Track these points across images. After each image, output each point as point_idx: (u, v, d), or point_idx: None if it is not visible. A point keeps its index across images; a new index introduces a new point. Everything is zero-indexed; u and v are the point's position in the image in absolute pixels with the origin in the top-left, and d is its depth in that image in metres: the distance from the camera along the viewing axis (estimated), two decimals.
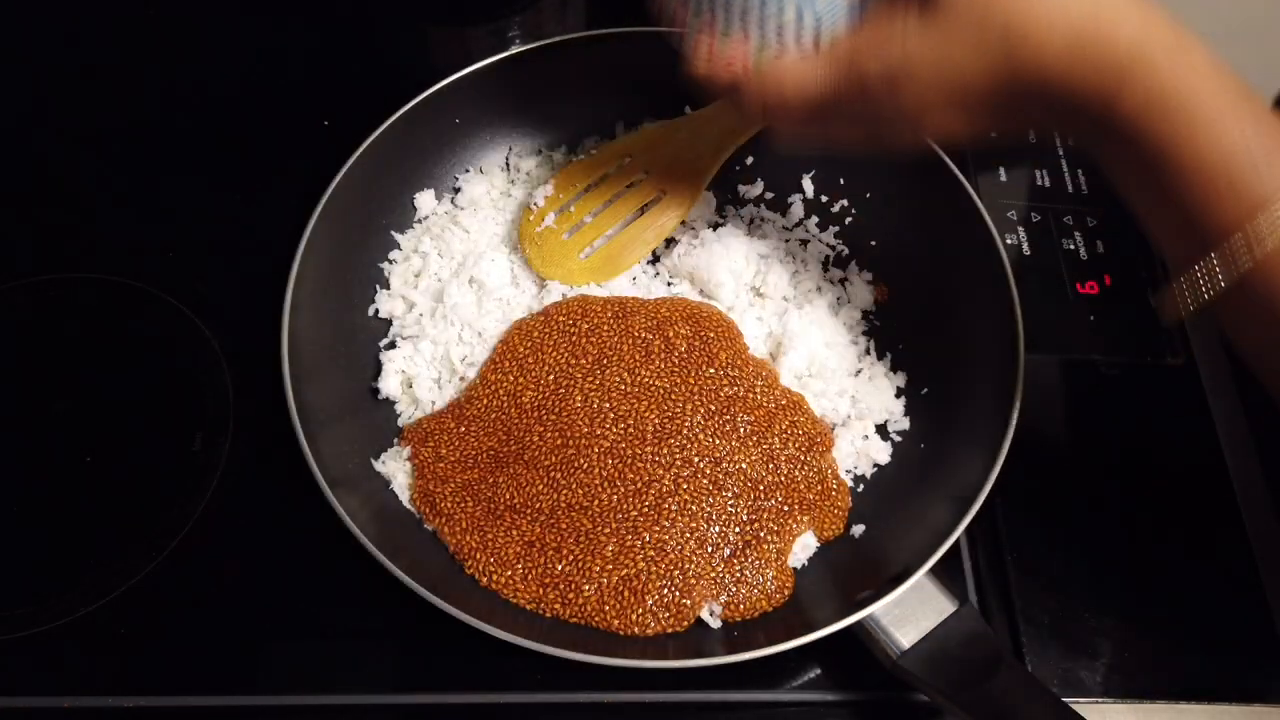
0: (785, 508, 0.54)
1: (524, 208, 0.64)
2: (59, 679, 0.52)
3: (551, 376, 0.57)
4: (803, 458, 0.56)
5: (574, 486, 0.54)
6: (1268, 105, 0.40)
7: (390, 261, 0.63)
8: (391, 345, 0.61)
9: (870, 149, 0.49)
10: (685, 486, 0.54)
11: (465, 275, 0.61)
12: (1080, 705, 0.47)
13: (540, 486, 0.54)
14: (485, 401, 0.57)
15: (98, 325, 0.63)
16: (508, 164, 0.68)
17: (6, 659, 0.52)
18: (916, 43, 0.42)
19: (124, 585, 0.54)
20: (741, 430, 0.56)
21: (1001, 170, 0.69)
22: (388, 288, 0.62)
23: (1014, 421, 0.52)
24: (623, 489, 0.54)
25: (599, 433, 0.55)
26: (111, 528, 0.56)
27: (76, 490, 0.58)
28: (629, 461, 0.54)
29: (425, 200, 0.65)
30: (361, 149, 0.60)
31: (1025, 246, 0.66)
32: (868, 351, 0.61)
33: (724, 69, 0.48)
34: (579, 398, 0.56)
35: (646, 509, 0.53)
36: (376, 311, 0.62)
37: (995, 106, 0.43)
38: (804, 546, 0.55)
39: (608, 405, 0.56)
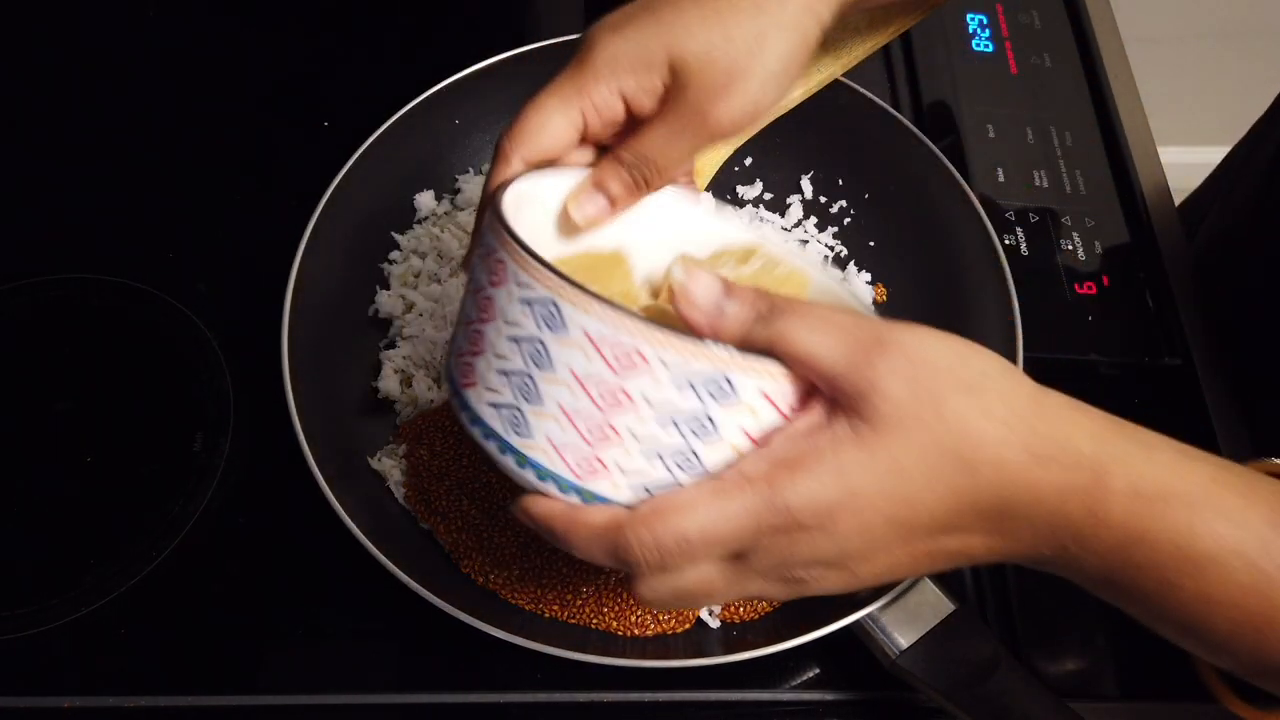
0: None
1: None
2: (59, 679, 0.52)
3: None
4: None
5: None
6: (1257, 476, 0.35)
7: (390, 262, 0.63)
8: (391, 345, 0.61)
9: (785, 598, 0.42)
10: None
11: (465, 276, 0.61)
12: (1080, 705, 0.47)
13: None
14: None
15: (98, 325, 0.63)
16: None
17: (6, 659, 0.52)
18: (856, 463, 0.32)
19: (124, 585, 0.54)
20: None
21: (1000, 170, 0.69)
22: (387, 288, 0.62)
23: None
24: None
25: None
26: (111, 528, 0.56)
27: (76, 490, 0.58)
28: None
29: (425, 200, 0.65)
30: (361, 149, 0.60)
31: (1024, 247, 0.66)
32: None
33: (580, 527, 0.35)
34: None
35: None
36: (376, 311, 0.62)
37: (957, 537, 0.34)
38: None
39: None
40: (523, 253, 0.35)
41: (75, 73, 0.76)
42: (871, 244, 0.65)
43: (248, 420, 0.59)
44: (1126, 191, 0.69)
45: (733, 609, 0.52)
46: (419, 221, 0.65)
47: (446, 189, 0.66)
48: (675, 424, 0.34)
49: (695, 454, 0.34)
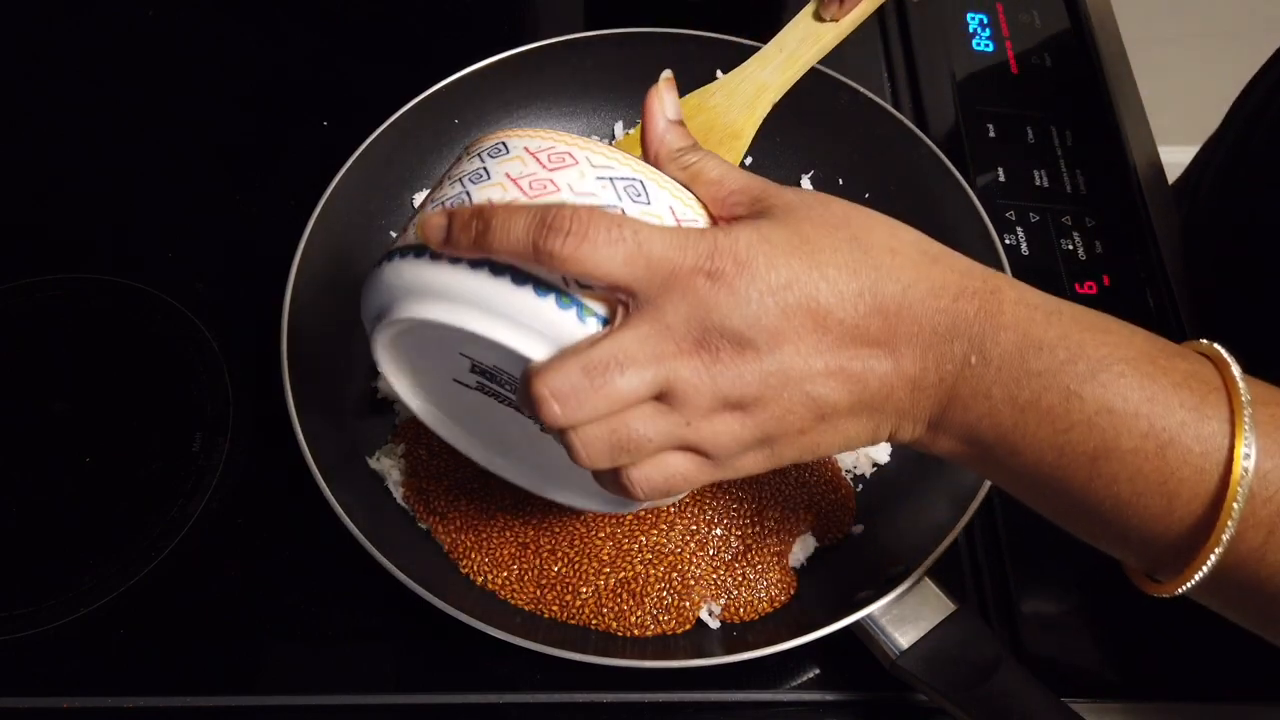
0: (789, 510, 0.54)
1: None
2: (59, 679, 0.52)
3: None
4: (810, 462, 0.56)
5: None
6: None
7: None
8: None
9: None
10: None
11: None
12: (1080, 705, 0.47)
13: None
14: None
15: (97, 325, 0.63)
16: None
17: (6, 659, 0.52)
18: (768, 227, 0.35)
19: (124, 585, 0.54)
20: None
21: (1001, 170, 0.69)
22: None
23: None
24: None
25: None
26: (111, 528, 0.56)
27: (76, 490, 0.58)
28: None
29: (423, 199, 0.65)
30: (361, 149, 0.60)
31: (1024, 247, 0.66)
32: None
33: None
34: None
35: (643, 512, 0.53)
36: None
37: (858, 349, 0.35)
38: (803, 547, 0.55)
39: None
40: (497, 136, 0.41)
41: (75, 73, 0.76)
42: None
43: (247, 420, 0.59)
44: (1126, 191, 0.69)
45: (732, 609, 0.52)
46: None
47: None
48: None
49: None
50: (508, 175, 0.38)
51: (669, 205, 0.38)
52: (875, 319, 0.35)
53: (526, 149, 0.39)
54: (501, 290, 0.36)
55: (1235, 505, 0.33)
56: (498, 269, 0.36)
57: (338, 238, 0.59)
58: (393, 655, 0.54)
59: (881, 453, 0.58)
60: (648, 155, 0.40)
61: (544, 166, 0.38)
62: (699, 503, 0.53)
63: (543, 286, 0.36)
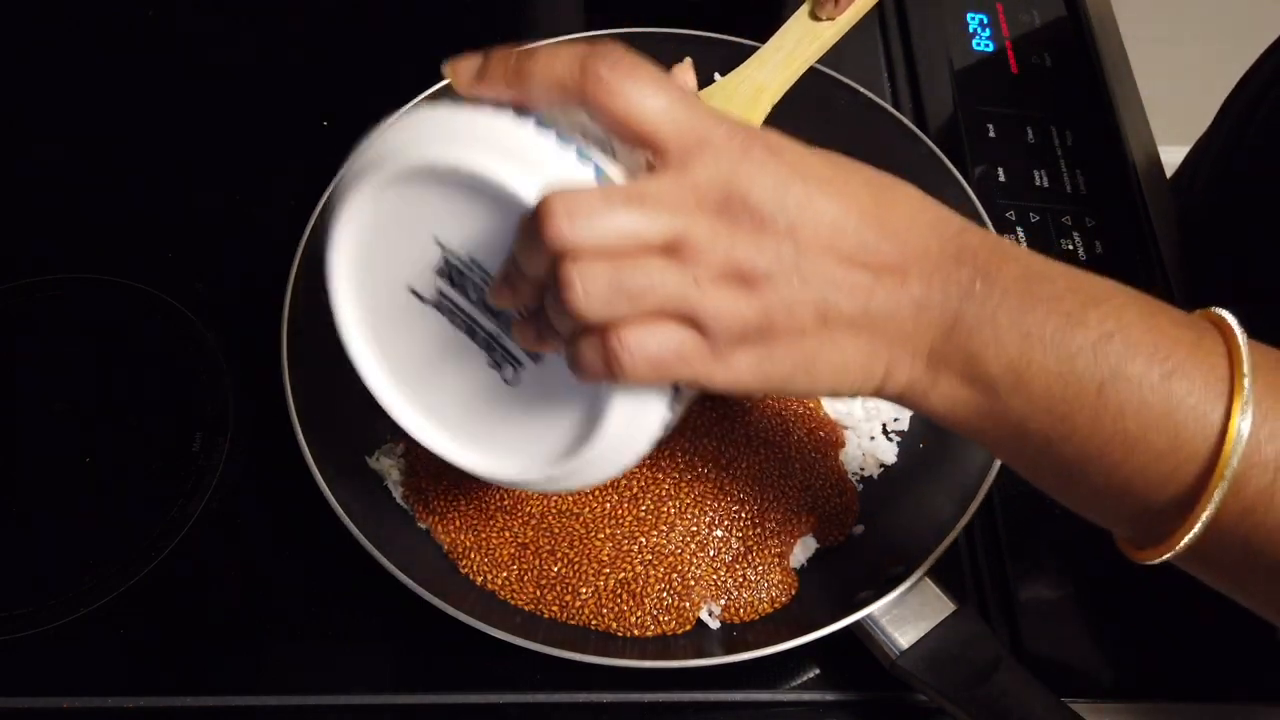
0: (791, 512, 0.54)
1: None
2: (59, 679, 0.52)
3: None
4: (817, 463, 0.56)
5: (563, 494, 0.54)
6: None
7: None
8: None
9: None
10: (687, 491, 0.54)
11: None
12: (1080, 705, 0.47)
13: (530, 491, 0.54)
14: None
15: (97, 325, 0.63)
16: None
17: (6, 659, 0.52)
18: (794, 143, 0.35)
19: (124, 585, 0.54)
20: (753, 436, 0.56)
21: (1001, 170, 0.69)
22: None
23: None
24: (615, 496, 0.54)
25: None
26: (111, 528, 0.56)
27: (76, 490, 0.58)
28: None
29: None
30: None
31: (1024, 247, 0.66)
32: None
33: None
34: None
35: (643, 514, 0.53)
36: None
37: (872, 246, 0.35)
38: (804, 547, 0.55)
39: None
40: None
41: (74, 73, 0.75)
42: None
43: (247, 420, 0.59)
44: (1126, 191, 0.69)
45: (732, 610, 0.52)
46: None
47: None
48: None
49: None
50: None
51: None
52: (886, 243, 0.34)
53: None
54: (522, 133, 0.34)
55: (1233, 456, 0.32)
56: (522, 113, 0.34)
57: None
58: (393, 655, 0.54)
59: (889, 454, 0.58)
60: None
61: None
62: (699, 504, 0.53)
63: (566, 138, 0.34)
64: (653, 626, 0.51)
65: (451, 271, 0.38)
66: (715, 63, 0.62)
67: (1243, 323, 0.35)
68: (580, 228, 0.32)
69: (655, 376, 0.34)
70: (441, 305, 0.39)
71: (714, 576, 0.52)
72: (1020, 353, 0.34)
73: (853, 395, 0.37)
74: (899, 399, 0.37)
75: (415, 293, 0.39)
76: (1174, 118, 0.82)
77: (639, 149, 0.34)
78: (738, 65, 0.57)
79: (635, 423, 0.38)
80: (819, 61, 0.57)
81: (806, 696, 0.52)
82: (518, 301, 0.36)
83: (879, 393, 0.37)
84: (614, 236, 0.32)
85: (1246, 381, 0.33)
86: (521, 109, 0.35)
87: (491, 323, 0.39)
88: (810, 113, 0.64)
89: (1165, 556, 0.36)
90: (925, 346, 0.35)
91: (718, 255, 0.33)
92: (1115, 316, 0.34)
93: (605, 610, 0.51)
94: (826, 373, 0.35)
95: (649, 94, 0.33)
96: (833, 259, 0.34)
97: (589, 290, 0.32)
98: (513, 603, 0.52)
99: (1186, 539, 0.34)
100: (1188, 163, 0.79)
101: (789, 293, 0.34)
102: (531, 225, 0.32)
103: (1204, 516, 0.33)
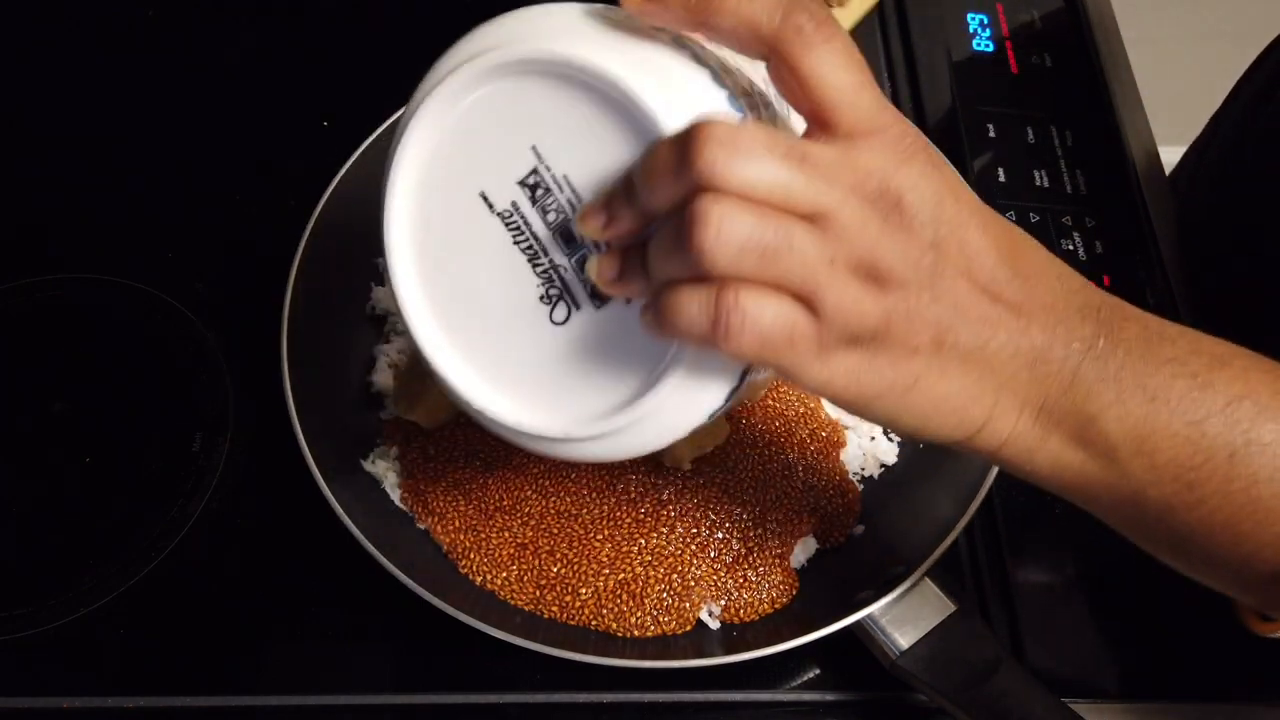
0: (793, 513, 0.54)
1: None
2: (59, 679, 0.52)
3: None
4: (819, 464, 0.56)
5: (562, 495, 0.54)
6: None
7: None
8: (386, 341, 0.61)
9: None
10: (688, 493, 0.54)
11: None
12: (1080, 705, 0.47)
13: (529, 491, 0.54)
14: None
15: (97, 325, 0.63)
16: None
17: (6, 659, 0.52)
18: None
19: (124, 585, 0.54)
20: (755, 437, 0.56)
21: (1001, 170, 0.69)
22: (383, 284, 0.62)
23: None
24: (614, 498, 0.53)
25: None
26: (111, 528, 0.56)
27: (76, 490, 0.58)
28: (618, 472, 0.54)
29: None
30: (361, 149, 0.60)
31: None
32: None
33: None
34: None
35: (643, 515, 0.53)
36: (373, 308, 0.62)
37: (1003, 282, 0.34)
38: (804, 547, 0.55)
39: None
40: None
41: (75, 72, 0.75)
42: None
43: (247, 420, 0.59)
44: (1126, 191, 0.69)
45: (733, 610, 0.52)
46: None
47: None
48: None
49: None
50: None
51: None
52: (1016, 282, 0.33)
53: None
54: (676, 60, 0.32)
55: None
56: (680, 43, 0.32)
57: (338, 237, 0.59)
58: (393, 655, 0.54)
59: (889, 454, 0.58)
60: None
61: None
62: (700, 506, 0.53)
63: (720, 82, 0.32)
64: (653, 627, 0.51)
65: (537, 186, 0.34)
66: None
67: (1248, 333, 0.35)
68: (736, 164, 0.28)
69: (757, 351, 0.30)
70: (510, 219, 0.35)
71: (714, 577, 0.52)
72: (1145, 416, 0.33)
73: (940, 438, 0.34)
74: (996, 454, 0.35)
75: (485, 199, 0.35)
76: (1174, 118, 0.82)
77: (806, 118, 0.32)
78: None
79: (688, 400, 0.35)
80: None
81: (806, 696, 0.52)
82: (610, 231, 0.32)
83: (971, 442, 0.34)
84: (766, 185, 0.29)
85: None
86: (680, 40, 0.32)
87: (561, 252, 0.34)
88: None
89: None
90: (1038, 400, 0.33)
91: (861, 244, 0.30)
92: (1242, 379, 0.33)
93: (605, 610, 0.51)
94: (921, 401, 0.33)
95: (843, 64, 0.30)
96: (966, 284, 0.32)
97: (725, 233, 0.29)
98: (513, 603, 0.52)
99: None
100: (1185, 163, 0.79)
101: (916, 304, 0.31)
102: (677, 149, 0.29)
103: None
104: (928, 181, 0.31)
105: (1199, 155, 0.77)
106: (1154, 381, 0.33)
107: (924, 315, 0.32)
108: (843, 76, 0.30)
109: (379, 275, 0.63)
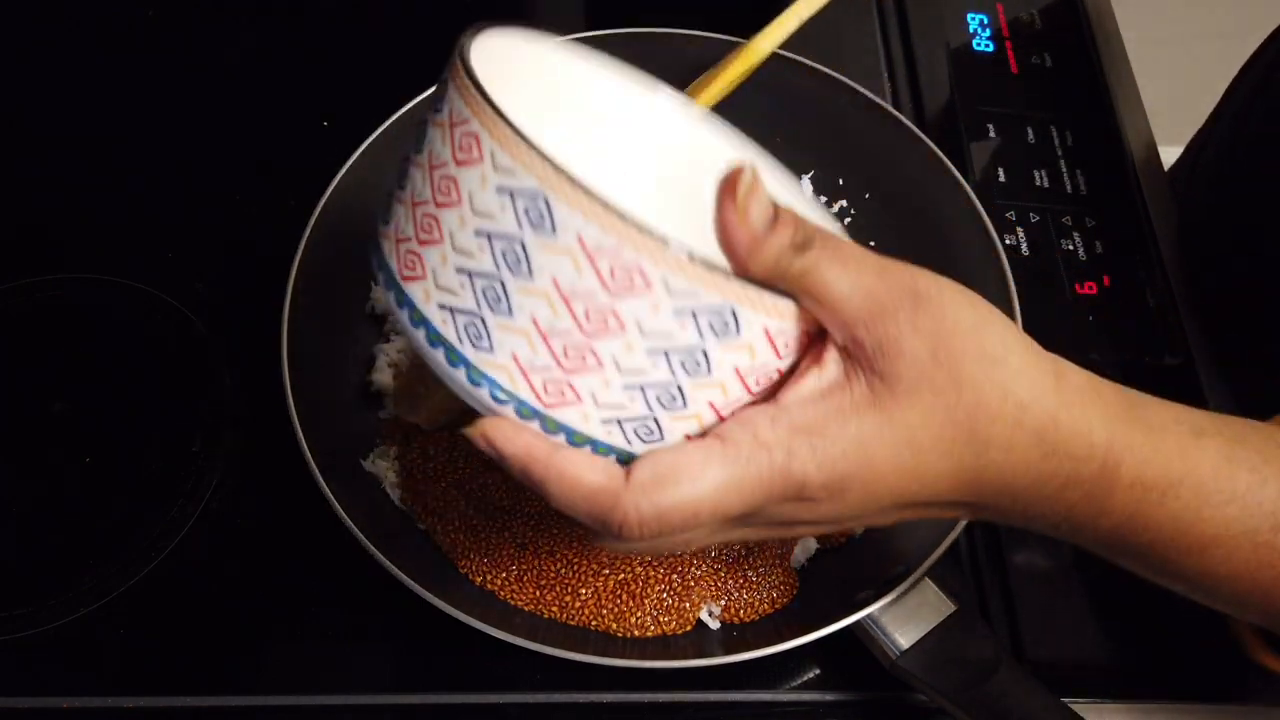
0: None
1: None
2: (59, 679, 0.52)
3: None
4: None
5: None
6: (1271, 444, 0.34)
7: None
8: (386, 340, 0.61)
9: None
10: None
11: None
12: (1080, 705, 0.47)
13: (529, 491, 0.54)
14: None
15: (96, 325, 0.63)
16: None
17: (6, 659, 0.52)
18: (875, 433, 0.30)
19: (124, 585, 0.54)
20: None
21: (1001, 171, 0.69)
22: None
23: None
24: None
25: None
26: (111, 528, 0.56)
27: (76, 491, 0.58)
28: None
29: None
30: (361, 149, 0.60)
31: (1024, 247, 0.66)
32: None
33: (568, 481, 0.31)
34: None
35: None
36: (373, 307, 0.62)
37: (949, 510, 0.34)
38: (804, 548, 0.55)
39: None
40: (508, 130, 0.29)
41: (75, 72, 0.75)
42: (872, 244, 0.65)
43: (247, 421, 0.59)
44: (1126, 191, 0.69)
45: (733, 610, 0.52)
46: None
47: None
48: (666, 357, 0.30)
49: (681, 391, 0.31)
50: (557, 286, 0.29)
51: (763, 329, 0.31)
52: (973, 498, 0.33)
53: (582, 241, 0.28)
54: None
55: None
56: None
57: (338, 238, 0.59)
58: (393, 655, 0.53)
59: None
60: (735, 263, 0.31)
61: (606, 288, 0.29)
62: None
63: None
64: (653, 627, 0.51)
65: None
66: (713, 62, 0.62)
67: (1247, 331, 0.35)
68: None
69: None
70: None
71: (714, 577, 0.52)
72: (1105, 554, 0.36)
73: None
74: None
75: None
76: (1174, 118, 0.82)
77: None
78: None
79: None
80: (818, 61, 0.57)
81: (806, 696, 0.52)
82: None
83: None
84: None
85: None
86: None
87: None
88: (810, 113, 0.64)
89: None
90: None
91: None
92: (1218, 554, 0.33)
93: (605, 610, 0.51)
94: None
95: (677, 535, 0.32)
96: (891, 514, 0.34)
97: (621, 552, 0.37)
98: (513, 603, 0.52)
99: None
100: (1182, 162, 0.79)
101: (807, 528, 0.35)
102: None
103: None
104: (835, 508, 0.33)
105: (1196, 154, 0.77)
106: (1119, 556, 0.35)
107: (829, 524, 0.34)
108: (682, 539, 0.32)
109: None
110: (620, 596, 0.51)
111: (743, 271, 0.30)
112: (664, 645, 0.51)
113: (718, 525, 0.32)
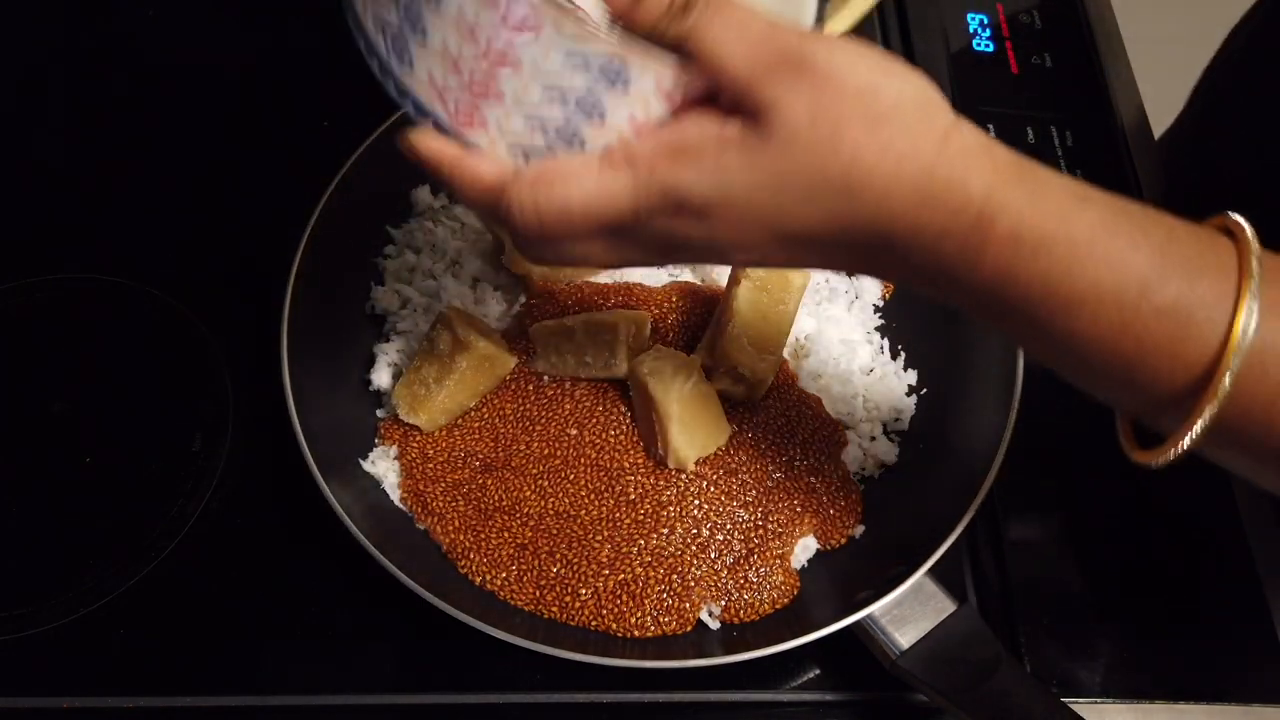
0: (795, 513, 0.54)
1: None
2: (59, 679, 0.52)
3: (546, 379, 0.57)
4: (821, 465, 0.56)
5: (561, 496, 0.54)
6: (1154, 221, 0.34)
7: (385, 256, 0.63)
8: (385, 340, 0.61)
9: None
10: (689, 495, 0.54)
11: (458, 270, 0.62)
12: (1080, 705, 0.47)
13: (528, 492, 0.54)
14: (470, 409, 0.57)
15: (98, 325, 0.63)
16: None
17: (6, 659, 0.52)
18: (738, 168, 0.32)
19: (124, 585, 0.54)
20: (759, 438, 0.56)
21: None
22: (382, 283, 0.62)
23: (1013, 421, 0.52)
24: (612, 500, 0.53)
25: (589, 440, 0.55)
26: (112, 528, 0.56)
27: (76, 490, 0.58)
28: (616, 475, 0.54)
29: (422, 195, 0.65)
30: (362, 148, 0.60)
31: None
32: (881, 350, 0.61)
33: (468, 175, 0.35)
34: (568, 405, 0.56)
35: (643, 516, 0.53)
36: (373, 307, 0.62)
37: (831, 252, 0.35)
38: (804, 548, 0.55)
39: (598, 412, 0.56)
40: None
41: (75, 73, 0.76)
42: None
43: (247, 420, 0.59)
44: (1127, 192, 0.69)
45: (733, 610, 0.52)
46: (415, 217, 0.65)
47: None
48: (562, 98, 0.33)
49: (578, 134, 0.34)
50: (463, 15, 0.32)
51: (655, 84, 0.33)
52: (847, 245, 0.34)
53: None
54: None
55: (1230, 367, 0.32)
56: None
57: (338, 237, 0.59)
58: (393, 655, 0.54)
59: (890, 454, 0.58)
60: (620, 21, 0.34)
61: (504, 23, 0.32)
62: (701, 507, 0.53)
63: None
64: (653, 627, 0.51)
65: None
66: None
67: None
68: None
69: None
70: None
71: (715, 578, 0.52)
72: (980, 315, 0.35)
73: None
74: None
75: None
76: (1174, 118, 0.82)
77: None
78: None
79: None
80: None
81: (806, 696, 0.52)
82: None
83: None
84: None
85: (1253, 291, 0.32)
86: None
87: None
88: None
89: (1162, 459, 0.35)
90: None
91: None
92: (1084, 315, 0.33)
93: (605, 611, 0.51)
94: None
95: (565, 241, 0.35)
96: (764, 250, 0.36)
97: (536, 260, 0.37)
98: (513, 603, 0.52)
99: (1187, 438, 0.33)
100: (1165, 145, 0.79)
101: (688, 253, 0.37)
102: None
103: (1204, 417, 0.32)
104: (703, 228, 0.34)
105: (1176, 140, 0.77)
106: (991, 314, 0.35)
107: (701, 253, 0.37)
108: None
109: (378, 274, 0.63)
110: (620, 597, 0.51)
111: (633, 23, 0.33)
112: (664, 645, 0.51)
113: (596, 232, 0.34)
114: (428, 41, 0.34)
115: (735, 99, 0.33)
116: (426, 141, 0.36)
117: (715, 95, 0.34)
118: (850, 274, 0.36)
